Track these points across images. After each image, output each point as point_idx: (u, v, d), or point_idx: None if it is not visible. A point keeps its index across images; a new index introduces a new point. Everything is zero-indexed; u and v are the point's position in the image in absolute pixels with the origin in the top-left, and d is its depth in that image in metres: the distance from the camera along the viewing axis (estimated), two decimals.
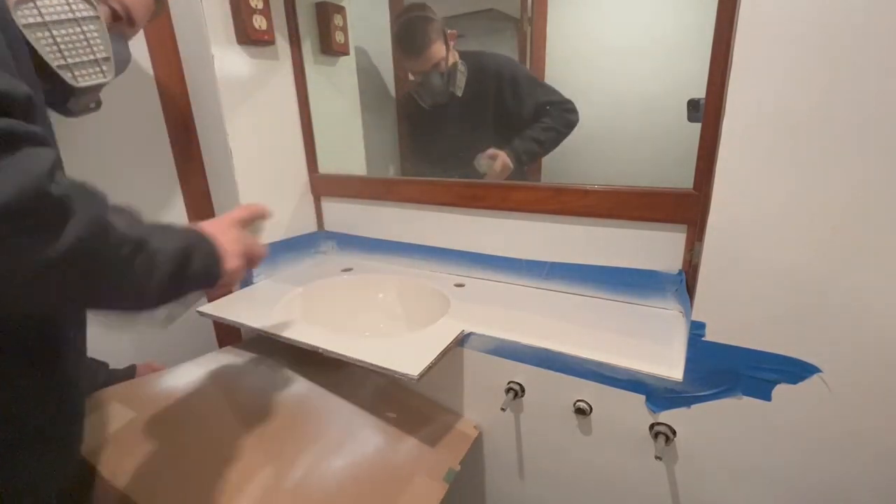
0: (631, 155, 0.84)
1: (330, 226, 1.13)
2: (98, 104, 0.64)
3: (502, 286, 0.88)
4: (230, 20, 0.88)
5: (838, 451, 0.51)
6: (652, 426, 0.60)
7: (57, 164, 0.31)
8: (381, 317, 0.93)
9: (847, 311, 0.46)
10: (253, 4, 0.88)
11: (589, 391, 0.62)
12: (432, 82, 1.01)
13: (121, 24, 0.62)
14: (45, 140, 0.31)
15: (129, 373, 0.82)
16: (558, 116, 0.93)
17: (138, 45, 0.87)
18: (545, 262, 0.83)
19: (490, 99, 1.01)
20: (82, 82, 0.55)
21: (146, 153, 0.94)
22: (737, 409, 0.54)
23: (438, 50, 1.00)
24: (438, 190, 0.92)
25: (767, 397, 0.52)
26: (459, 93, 1.00)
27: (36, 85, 0.41)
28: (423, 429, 0.72)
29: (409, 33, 1.04)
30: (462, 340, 0.70)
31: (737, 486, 0.58)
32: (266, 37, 0.91)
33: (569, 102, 0.91)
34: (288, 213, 1.05)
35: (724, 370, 0.54)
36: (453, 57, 1.01)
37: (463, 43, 1.03)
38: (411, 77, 1.07)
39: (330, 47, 1.03)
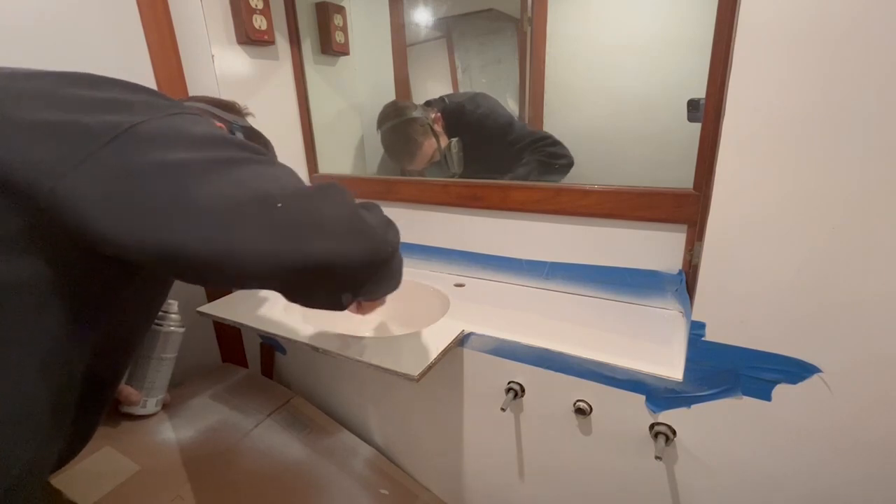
0: (631, 155, 0.84)
1: None
2: None
3: (502, 286, 0.88)
4: (230, 20, 0.88)
5: (838, 451, 0.51)
6: (652, 426, 0.60)
7: None
8: (381, 317, 0.93)
9: (847, 310, 0.46)
10: (253, 4, 0.88)
11: (589, 391, 0.62)
12: (432, 174, 1.00)
13: None
14: None
15: None
16: (538, 153, 0.90)
17: (138, 45, 0.87)
18: (545, 262, 0.83)
19: (477, 147, 0.99)
20: None
21: None
22: (737, 409, 0.54)
23: (429, 147, 0.98)
24: (438, 190, 0.92)
25: (767, 397, 0.52)
26: (460, 170, 0.98)
27: None
28: None
29: (396, 144, 1.03)
30: (462, 340, 0.70)
31: (737, 487, 0.58)
32: (266, 37, 0.91)
33: (545, 138, 0.89)
34: None
35: (724, 370, 0.54)
36: (444, 139, 0.99)
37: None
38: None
39: (330, 47, 1.03)
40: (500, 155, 0.95)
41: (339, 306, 0.47)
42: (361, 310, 0.67)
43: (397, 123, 1.01)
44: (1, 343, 0.37)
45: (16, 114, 0.37)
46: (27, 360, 0.39)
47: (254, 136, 0.74)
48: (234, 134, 0.69)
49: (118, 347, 0.51)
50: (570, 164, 0.90)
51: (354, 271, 0.45)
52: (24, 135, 0.36)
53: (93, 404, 0.50)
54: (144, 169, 0.37)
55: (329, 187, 0.45)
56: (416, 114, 1.00)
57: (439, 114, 1.00)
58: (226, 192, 0.38)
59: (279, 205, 0.39)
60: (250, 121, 0.76)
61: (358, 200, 0.50)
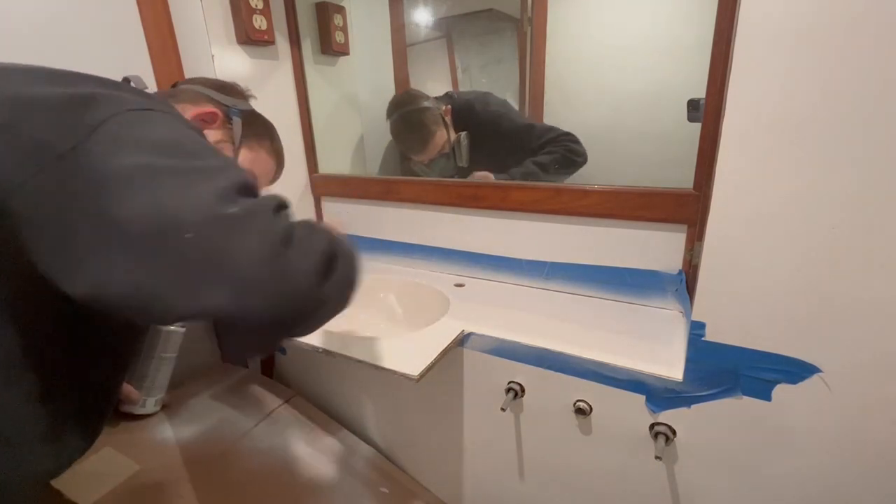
0: (631, 155, 0.84)
1: None
2: None
3: (502, 286, 0.88)
4: (230, 20, 0.88)
5: (838, 451, 0.51)
6: (652, 426, 0.60)
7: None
8: (381, 317, 0.93)
9: (847, 310, 0.46)
10: (253, 4, 0.88)
11: (589, 391, 0.62)
12: (438, 165, 1.00)
13: None
14: None
15: None
16: (561, 146, 0.90)
17: (138, 45, 0.87)
18: (545, 262, 0.83)
19: (486, 144, 0.98)
20: None
21: None
22: (737, 409, 0.54)
23: (440, 137, 0.98)
24: (438, 190, 0.92)
25: (767, 397, 0.52)
26: (465, 163, 0.98)
27: None
28: None
29: (408, 131, 1.02)
30: (462, 340, 0.70)
31: (737, 486, 0.58)
32: (266, 37, 0.91)
33: (569, 134, 0.89)
34: None
35: (724, 370, 0.54)
36: (453, 132, 0.99)
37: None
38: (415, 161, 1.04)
39: (330, 47, 1.03)
40: (510, 152, 0.95)
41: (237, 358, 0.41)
42: None
43: (411, 110, 1.01)
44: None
45: None
46: (17, 380, 0.39)
47: (254, 119, 0.71)
48: (230, 118, 0.66)
49: (109, 358, 0.50)
50: (584, 162, 0.90)
51: (260, 328, 0.36)
52: None
53: (91, 413, 0.50)
54: (92, 189, 0.33)
55: (259, 212, 0.36)
56: (428, 103, 1.00)
57: (449, 107, 1.00)
58: (145, 214, 0.33)
59: (188, 235, 0.32)
60: (252, 103, 0.72)
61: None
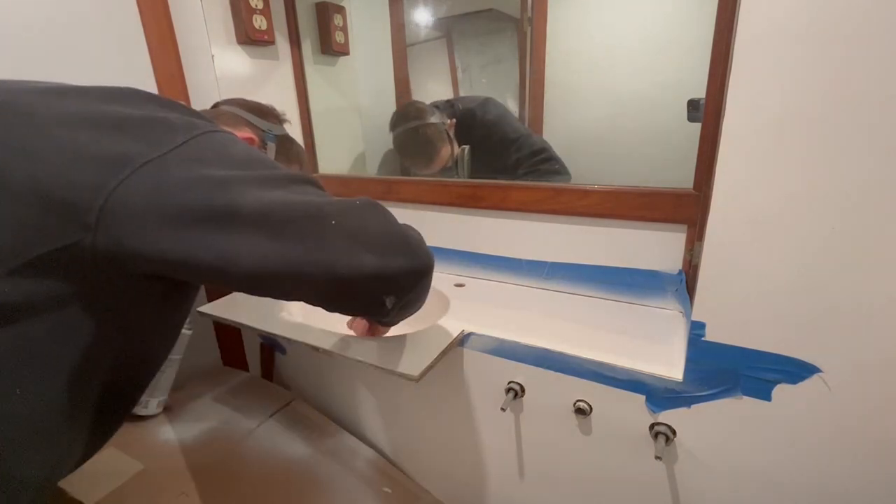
0: (631, 155, 0.84)
1: None
2: None
3: (502, 286, 0.88)
4: (230, 20, 0.88)
5: (838, 451, 0.51)
6: (652, 426, 0.60)
7: None
8: None
9: (847, 310, 0.46)
10: (253, 4, 0.88)
11: (589, 391, 0.62)
12: (441, 178, 1.00)
13: None
14: None
15: None
16: (534, 169, 0.91)
17: (138, 45, 0.87)
18: (545, 262, 0.83)
19: (484, 154, 0.98)
20: None
21: None
22: (737, 409, 0.54)
23: (445, 152, 0.98)
24: (438, 190, 0.92)
25: (767, 397, 0.52)
26: (466, 176, 0.97)
27: None
28: None
29: (414, 148, 1.01)
30: (462, 340, 0.70)
31: (737, 486, 0.58)
32: (266, 37, 0.91)
33: (544, 151, 0.90)
34: None
35: (724, 370, 0.54)
36: (456, 147, 0.99)
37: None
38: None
39: (330, 47, 1.03)
40: (504, 164, 0.95)
41: (382, 311, 0.47)
42: (376, 332, 0.67)
43: (418, 126, 1.00)
44: (23, 358, 0.37)
45: (60, 134, 0.37)
46: (48, 375, 0.39)
47: (288, 144, 0.72)
48: (265, 144, 0.69)
49: (141, 363, 0.50)
50: (567, 178, 0.89)
51: (401, 280, 0.46)
52: (67, 156, 0.36)
53: (112, 416, 0.50)
54: (190, 183, 0.38)
55: (369, 204, 0.46)
56: (434, 118, 0.99)
57: (453, 120, 0.99)
58: (277, 207, 0.40)
59: (333, 221, 0.41)
60: (286, 128, 0.74)
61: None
